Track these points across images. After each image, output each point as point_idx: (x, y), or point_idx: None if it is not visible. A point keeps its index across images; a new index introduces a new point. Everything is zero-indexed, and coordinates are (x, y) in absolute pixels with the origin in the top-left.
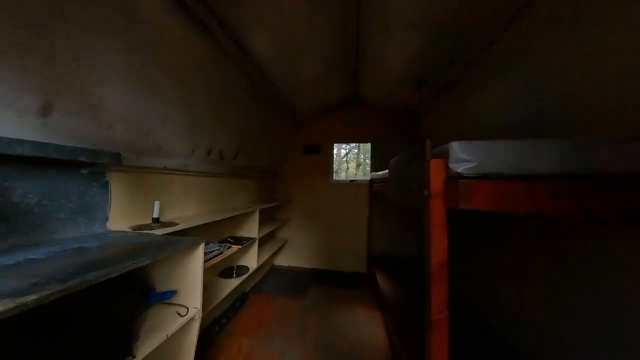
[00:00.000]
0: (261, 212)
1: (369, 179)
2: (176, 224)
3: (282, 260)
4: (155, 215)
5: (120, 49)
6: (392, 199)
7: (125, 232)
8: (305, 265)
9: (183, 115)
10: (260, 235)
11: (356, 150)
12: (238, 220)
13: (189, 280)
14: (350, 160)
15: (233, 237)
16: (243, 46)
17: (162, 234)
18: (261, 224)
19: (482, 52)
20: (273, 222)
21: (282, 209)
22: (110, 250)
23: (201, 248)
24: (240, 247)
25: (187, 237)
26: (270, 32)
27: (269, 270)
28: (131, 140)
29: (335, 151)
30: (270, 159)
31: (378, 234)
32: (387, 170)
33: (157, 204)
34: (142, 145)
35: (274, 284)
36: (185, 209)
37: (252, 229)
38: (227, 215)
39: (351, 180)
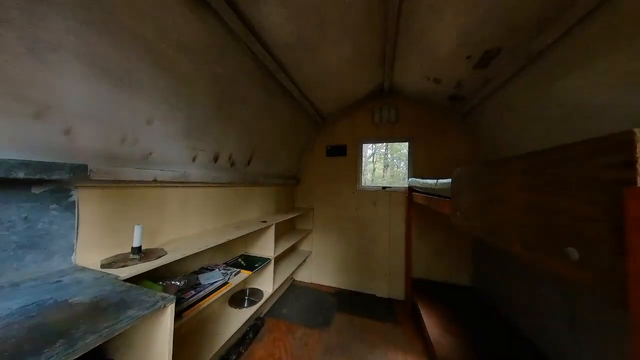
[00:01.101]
0: (280, 223)
1: (405, 185)
2: (163, 253)
3: (303, 275)
4: (136, 243)
5: (74, 26)
6: (470, 231)
7: (85, 271)
8: (330, 284)
9: (178, 113)
10: (277, 254)
11: (384, 150)
12: (251, 234)
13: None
14: (377, 160)
15: (245, 257)
16: (253, 27)
17: (128, 277)
18: (279, 237)
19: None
20: (293, 233)
21: (303, 217)
22: (15, 329)
23: (169, 312)
24: (251, 272)
25: (148, 294)
26: (286, 8)
27: (289, 288)
28: (105, 147)
29: (362, 152)
30: (289, 163)
31: (421, 253)
32: (441, 181)
33: (137, 230)
34: (122, 153)
35: (294, 306)
36: (184, 228)
37: (267, 247)
38: (233, 237)
39: (383, 187)
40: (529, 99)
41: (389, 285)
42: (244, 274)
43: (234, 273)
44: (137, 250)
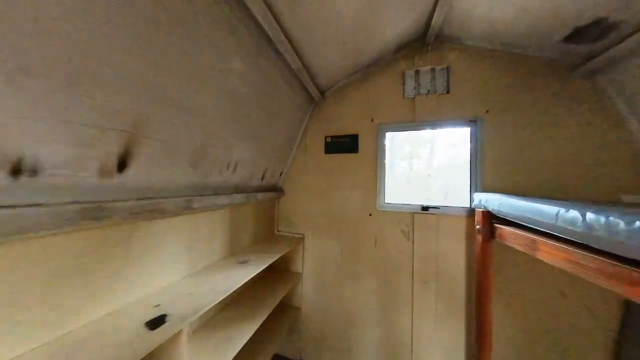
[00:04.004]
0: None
1: (465, 204)
2: None
3: (288, 349)
4: None
5: None
6: None
7: None
8: None
9: None
10: None
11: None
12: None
13: None
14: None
15: None
16: None
17: None
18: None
19: None
20: (269, 282)
21: (287, 253)
22: None
23: None
24: None
25: None
26: None
27: None
28: None
29: (387, 144)
30: (260, 163)
31: (512, 336)
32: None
33: None
34: None
35: None
36: None
37: None
38: None
39: (424, 208)
40: None
41: None
42: None
43: None
44: None
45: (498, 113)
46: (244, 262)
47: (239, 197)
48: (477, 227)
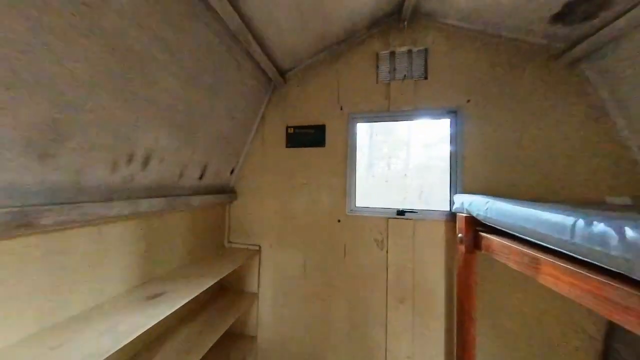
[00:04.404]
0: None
1: (445, 208)
2: None
3: None
4: None
5: None
6: None
7: None
8: None
9: None
10: None
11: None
12: None
13: None
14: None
15: None
16: None
17: None
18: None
19: None
20: (213, 306)
21: (246, 270)
22: None
23: None
24: None
25: None
26: None
27: None
28: None
29: (364, 142)
30: (193, 158)
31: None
32: None
33: None
34: None
35: None
36: None
37: None
38: None
39: (400, 212)
40: None
41: None
42: None
43: None
44: None
45: (479, 103)
46: (155, 297)
47: (154, 203)
48: (459, 235)
